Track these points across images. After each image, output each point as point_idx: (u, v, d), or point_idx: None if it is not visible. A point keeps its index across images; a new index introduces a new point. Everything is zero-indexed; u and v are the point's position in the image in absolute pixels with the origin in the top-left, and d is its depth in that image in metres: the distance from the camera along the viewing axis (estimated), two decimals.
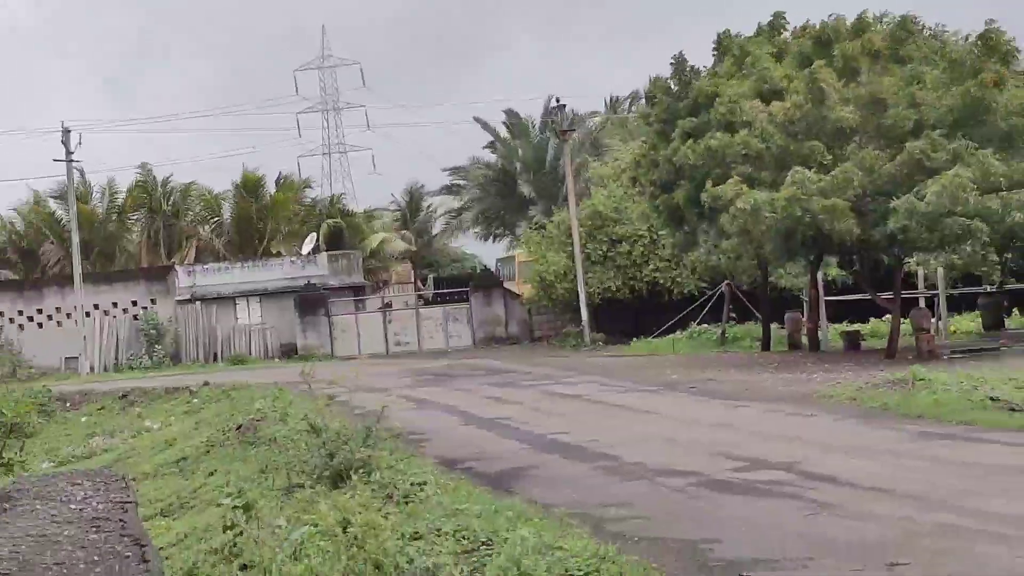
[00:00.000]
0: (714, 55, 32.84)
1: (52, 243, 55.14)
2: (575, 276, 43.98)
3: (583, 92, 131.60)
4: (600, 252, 44.39)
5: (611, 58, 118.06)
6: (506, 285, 51.52)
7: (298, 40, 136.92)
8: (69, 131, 49.73)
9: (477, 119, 65.07)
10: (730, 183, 26.63)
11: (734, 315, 40.36)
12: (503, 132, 62.78)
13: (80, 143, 51.36)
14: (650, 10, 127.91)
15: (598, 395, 25.93)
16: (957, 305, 37.27)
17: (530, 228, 52.87)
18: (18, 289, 51.39)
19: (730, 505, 13.32)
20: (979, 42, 27.76)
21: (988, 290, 35.86)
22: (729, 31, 33.50)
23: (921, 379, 21.20)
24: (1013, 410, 17.37)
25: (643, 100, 39.04)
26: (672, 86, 33.50)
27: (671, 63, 33.46)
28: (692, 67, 33.16)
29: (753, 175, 27.16)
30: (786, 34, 32.32)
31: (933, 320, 29.87)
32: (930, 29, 28.74)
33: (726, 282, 37.48)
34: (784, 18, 31.78)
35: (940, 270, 30.68)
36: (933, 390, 20.35)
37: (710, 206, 28.12)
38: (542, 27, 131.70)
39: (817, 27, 30.77)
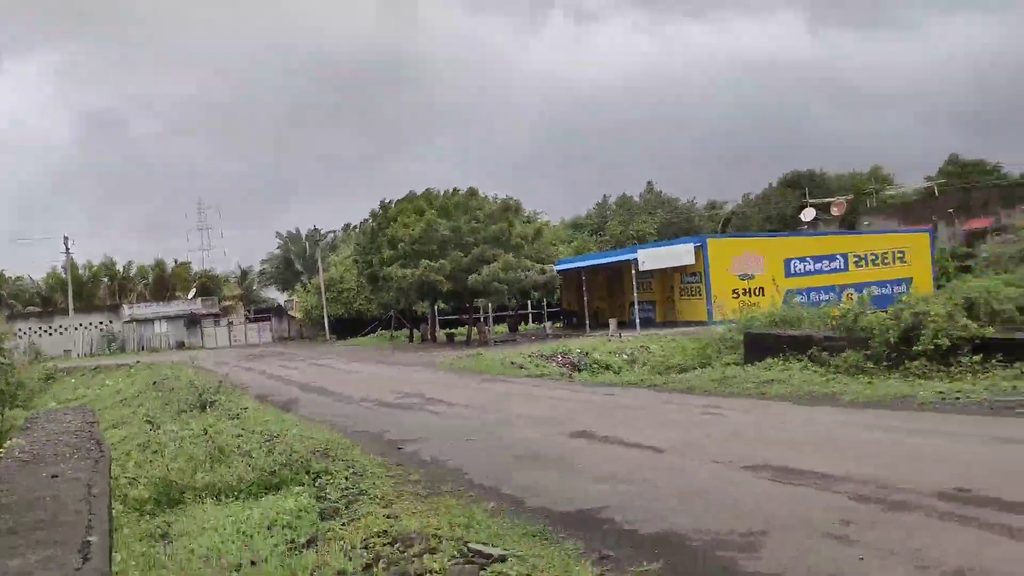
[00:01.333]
0: (380, 212, 35.92)
1: (59, 292, 58.54)
2: (322, 307, 49.94)
3: (337, 216, 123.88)
4: (333, 296, 50.63)
5: (346, 196, 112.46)
6: (290, 312, 58.62)
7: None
8: (67, 238, 54.13)
9: (278, 233, 64.00)
10: (394, 269, 31.35)
11: (396, 326, 41.51)
12: (287, 242, 62.61)
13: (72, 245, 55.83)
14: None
15: (335, 364, 27.89)
16: (497, 320, 38.99)
17: (300, 285, 51.87)
18: (39, 315, 55.70)
19: (392, 414, 13.83)
20: (500, 205, 28.68)
21: (511, 313, 38.17)
22: (385, 200, 37.32)
23: (480, 354, 23.50)
24: (520, 367, 18.12)
25: (358, 226, 38.24)
26: (372, 222, 36.72)
27: (380, 206, 36.79)
28: (385, 210, 35.84)
29: (405, 263, 31.37)
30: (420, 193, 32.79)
31: (486, 327, 31.22)
32: (485, 194, 30.04)
33: (392, 310, 37.58)
34: (429, 191, 35.69)
35: (490, 304, 32.24)
36: (486, 359, 22.56)
37: (385, 277, 28.06)
38: (319, 181, 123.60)
39: (433, 192, 31.17)
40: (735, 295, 30.51)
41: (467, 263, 30.05)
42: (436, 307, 39.11)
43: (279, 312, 57.17)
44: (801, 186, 63.87)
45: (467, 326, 34.88)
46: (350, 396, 16.75)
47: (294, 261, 68.37)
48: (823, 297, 29.25)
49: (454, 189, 34.46)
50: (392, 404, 14.96)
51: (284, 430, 10.77)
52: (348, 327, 49.17)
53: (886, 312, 14.35)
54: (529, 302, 43.65)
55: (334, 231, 72.25)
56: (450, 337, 37.07)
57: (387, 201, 36.43)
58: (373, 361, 27.96)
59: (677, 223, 61.38)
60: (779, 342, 15.49)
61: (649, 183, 67.70)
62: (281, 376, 23.39)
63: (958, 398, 10.61)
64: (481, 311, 42.40)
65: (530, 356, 22.69)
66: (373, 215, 36.50)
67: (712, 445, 9.06)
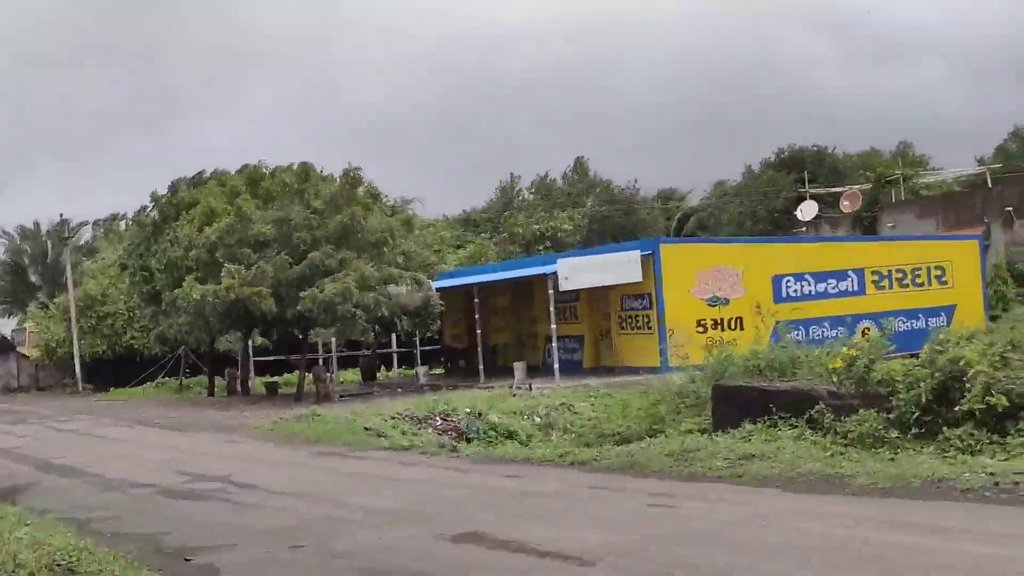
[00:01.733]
0: (168, 195, 36.38)
1: None
2: (72, 341, 48.56)
3: (99, 203, 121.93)
4: (90, 324, 49.12)
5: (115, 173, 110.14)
6: (20, 349, 57.12)
7: None
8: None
9: (2, 231, 70.04)
10: (187, 283, 30.83)
11: (189, 370, 42.52)
12: (16, 238, 61.09)
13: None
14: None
15: (87, 429, 27.47)
16: (345, 363, 38.68)
17: (38, 307, 50.70)
18: None
19: (179, 506, 13.84)
20: (346, 180, 31.99)
21: (366, 353, 38.19)
22: (184, 177, 36.82)
23: (318, 415, 22.39)
24: (379, 435, 18.17)
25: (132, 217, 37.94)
26: (154, 211, 37.17)
27: (169, 186, 36.93)
28: (175, 193, 36.47)
29: (204, 275, 31.33)
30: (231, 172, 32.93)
31: (328, 373, 31.08)
32: (328, 173, 30.42)
33: (183, 347, 37.53)
34: (226, 171, 36.24)
35: (333, 339, 32.04)
36: (326, 422, 22.59)
37: (172, 303, 32.01)
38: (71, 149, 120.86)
39: (251, 168, 31.20)
40: (701, 328, 31.05)
41: (299, 273, 29.72)
42: (251, 342, 38.49)
43: (2, 348, 55.06)
44: (798, 169, 66.17)
45: (298, 371, 34.40)
46: (114, 479, 16.50)
47: (28, 270, 65.95)
48: (828, 332, 30.19)
49: (275, 166, 34.25)
50: (179, 491, 14.84)
51: (3, 533, 10.64)
52: (114, 372, 47.93)
53: (916, 357, 14.85)
54: (394, 335, 43.57)
55: (93, 223, 70.33)
56: (272, 388, 36.54)
57: (180, 181, 35.70)
58: (152, 424, 27.30)
59: (616, 220, 62.57)
60: (764, 399, 15.76)
61: (578, 159, 68.89)
62: (5, 448, 22.88)
63: (1018, 483, 11.01)
64: (320, 349, 41.93)
65: (394, 418, 22.62)
66: (156, 201, 35.83)
67: (665, 555, 9.15)
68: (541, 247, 53.88)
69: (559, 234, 55.46)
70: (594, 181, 66.06)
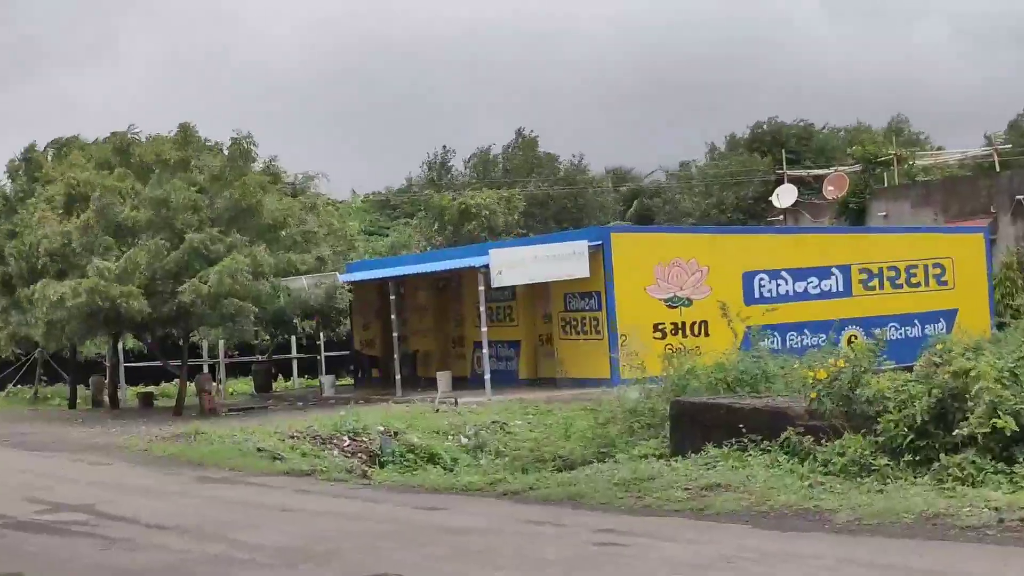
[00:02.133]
0: (20, 162, 36.35)
1: None
2: None
3: None
4: None
5: None
6: None
7: None
8: None
9: None
10: (40, 284, 30.10)
11: (45, 378, 45.68)
12: None
13: None
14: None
15: None
16: (235, 370, 38.43)
17: None
18: None
19: (33, 542, 13.55)
20: (236, 150, 32.85)
21: (259, 359, 37.99)
22: (35, 144, 36.51)
23: (202, 432, 24.31)
24: (275, 457, 17.97)
25: None
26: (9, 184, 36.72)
27: (22, 154, 36.77)
28: (29, 163, 36.25)
29: (64, 269, 30.90)
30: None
31: (214, 383, 30.90)
32: (214, 142, 29.99)
33: (39, 349, 41.43)
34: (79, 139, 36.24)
35: (221, 341, 31.88)
36: (211, 441, 23.19)
37: (27, 298, 31.50)
38: None
39: (120, 135, 34.66)
40: (659, 334, 31.36)
41: (177, 261, 29.52)
42: (122, 346, 37.98)
43: None
44: (774, 147, 66.79)
45: (178, 381, 34.13)
46: None
47: None
48: (809, 340, 30.52)
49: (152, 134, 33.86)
50: (33, 524, 14.60)
51: None
52: None
53: (910, 371, 14.96)
54: (294, 338, 43.27)
55: None
56: (147, 400, 36.18)
57: (34, 149, 35.14)
58: (14, 445, 26.60)
59: (562, 204, 62.67)
60: (732, 419, 15.85)
61: (519, 131, 68.88)
62: None
63: None
64: (206, 354, 41.51)
65: (293, 437, 22.47)
66: (10, 171, 35.38)
67: None
68: (471, 228, 53.67)
69: (484, 213, 55.13)
70: (538, 157, 66.02)
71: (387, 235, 60.73)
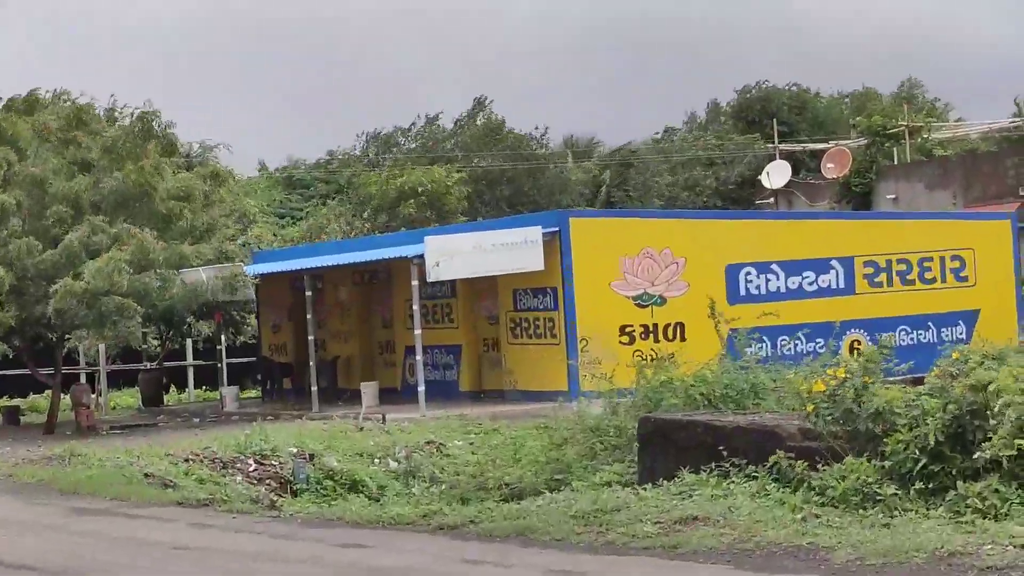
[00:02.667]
0: None
1: None
2: None
3: None
4: None
5: None
6: None
7: None
8: None
9: None
10: None
11: None
12: None
13: None
14: None
15: None
16: (119, 380, 38.07)
17: None
18: None
19: None
20: (138, 125, 32.35)
21: (148, 366, 37.73)
22: None
23: (79, 454, 24.03)
24: (166, 484, 17.91)
25: None
26: None
27: None
28: None
29: None
30: None
31: (94, 396, 30.80)
32: (105, 109, 29.72)
33: None
34: None
35: (102, 346, 31.85)
36: (89, 465, 22.72)
37: None
38: None
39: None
40: (626, 338, 31.48)
41: (53, 261, 29.42)
42: None
43: None
44: (763, 117, 66.98)
45: (51, 392, 33.84)
46: None
47: None
48: (804, 346, 30.69)
49: (31, 97, 33.40)
50: None
51: None
52: None
53: (922, 382, 15.11)
54: (190, 342, 42.93)
55: None
56: (12, 415, 35.81)
57: None
58: None
59: (517, 184, 62.65)
60: (713, 440, 15.93)
61: (479, 100, 68.66)
62: None
63: None
64: (83, 360, 41.10)
65: (188, 460, 22.42)
66: None
67: None
68: (409, 210, 53.45)
69: (445, 193, 54.89)
70: (490, 125, 65.86)
71: (302, 220, 60.36)
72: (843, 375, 15.63)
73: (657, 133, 74.67)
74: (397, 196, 55.24)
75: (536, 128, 68.05)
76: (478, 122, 66.69)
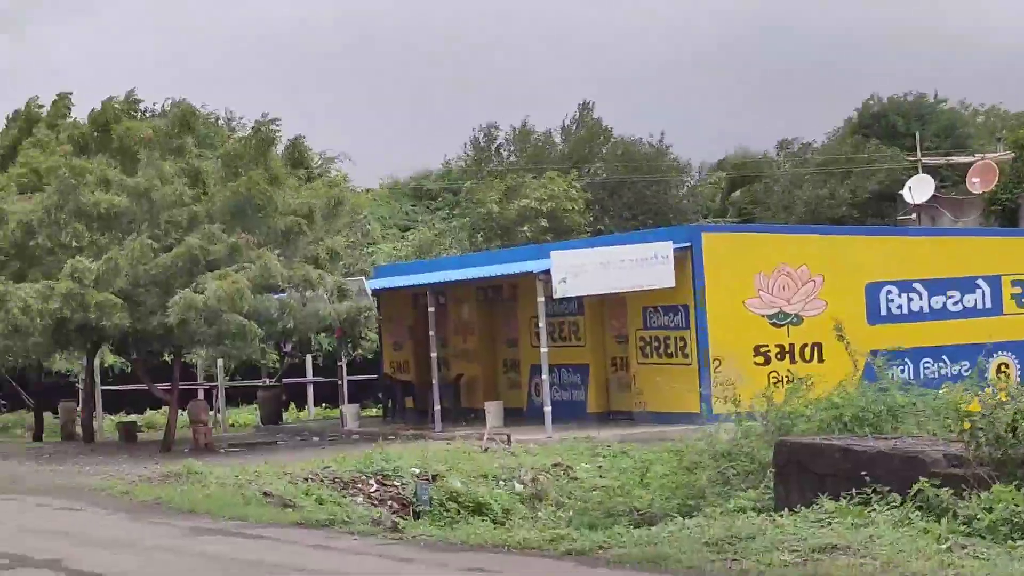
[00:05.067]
0: None
1: None
2: None
3: None
4: None
5: None
6: None
7: None
8: None
9: None
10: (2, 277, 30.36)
11: (4, 402, 41.31)
12: None
13: None
14: None
15: None
16: (237, 398, 38.59)
17: None
18: None
19: None
20: (256, 135, 32.68)
21: (267, 383, 38.15)
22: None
23: (196, 473, 24.12)
24: (287, 505, 18.08)
25: None
26: None
27: None
28: None
29: (19, 270, 31.11)
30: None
31: (211, 412, 30.94)
32: (219, 117, 30.10)
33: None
34: (70, 100, 35.85)
35: (220, 362, 32.03)
36: (207, 484, 22.96)
37: None
38: None
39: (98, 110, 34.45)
40: (760, 358, 31.43)
41: (166, 266, 29.75)
42: (99, 364, 38.24)
43: None
44: (899, 131, 66.14)
45: (168, 409, 34.29)
46: None
47: None
48: (947, 369, 30.23)
49: (139, 103, 34.04)
50: None
51: None
52: None
53: None
54: (310, 358, 43.22)
55: None
56: (129, 432, 36.41)
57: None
58: None
59: (639, 195, 62.51)
60: (852, 466, 15.78)
61: (584, 103, 68.85)
62: None
63: None
64: (201, 375, 41.61)
65: (307, 480, 22.64)
66: None
67: None
68: (527, 230, 53.46)
69: (563, 211, 54.76)
70: (601, 130, 65.66)
71: (414, 231, 60.24)
72: (1004, 397, 15.42)
73: (790, 146, 74.18)
74: (517, 217, 55.32)
75: (651, 135, 67.95)
76: (583, 126, 66.69)
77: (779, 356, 31.50)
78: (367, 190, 62.73)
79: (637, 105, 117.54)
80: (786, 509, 15.90)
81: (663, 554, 14.52)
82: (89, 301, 28.80)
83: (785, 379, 24.99)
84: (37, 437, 38.25)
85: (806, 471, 16.43)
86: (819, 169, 64.60)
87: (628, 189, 62.10)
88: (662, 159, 65.87)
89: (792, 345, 31.78)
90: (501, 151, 67.33)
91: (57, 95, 35.45)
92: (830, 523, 14.74)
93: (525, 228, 53.75)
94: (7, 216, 30.75)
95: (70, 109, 35.62)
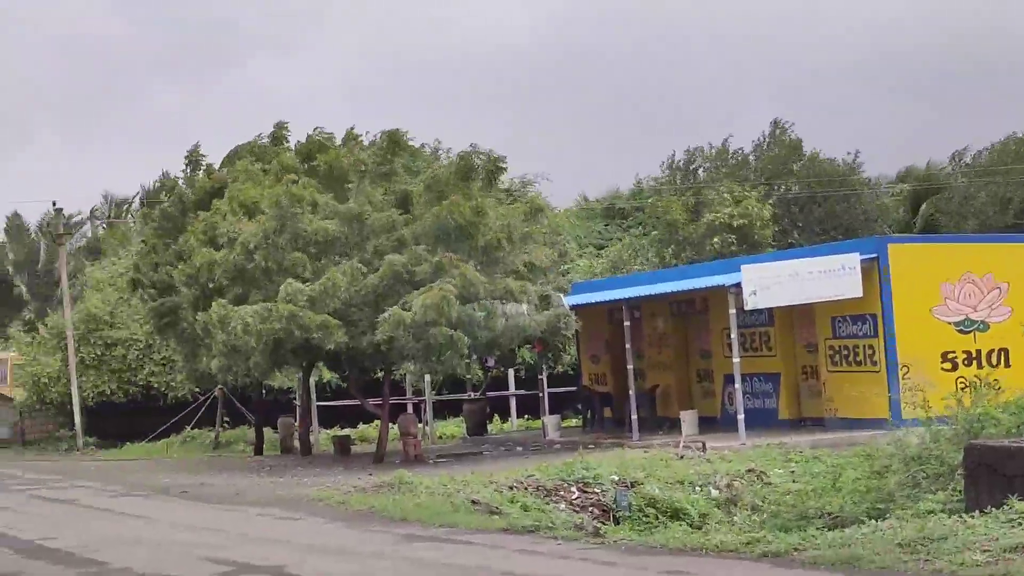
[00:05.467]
0: (185, 171, 37.73)
1: None
2: (70, 378, 48.91)
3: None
4: (95, 355, 49.82)
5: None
6: None
7: None
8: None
9: None
10: (215, 306, 30.67)
11: (227, 419, 46.52)
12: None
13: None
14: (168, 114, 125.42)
15: (89, 500, 27.50)
16: (444, 411, 39.09)
17: (23, 328, 51.74)
18: None
19: None
20: (459, 161, 32.85)
21: (472, 396, 38.62)
22: (199, 145, 37.82)
23: (407, 482, 24.36)
24: (493, 512, 18.33)
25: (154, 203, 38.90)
26: (182, 184, 37.52)
27: (185, 158, 37.64)
28: (209, 164, 37.13)
29: (241, 292, 31.48)
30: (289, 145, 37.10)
31: (420, 425, 31.54)
32: (426, 145, 30.55)
33: (219, 387, 43.16)
34: (287, 128, 36.68)
35: (427, 376, 32.56)
36: (417, 493, 23.28)
37: (203, 328, 32.00)
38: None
39: (306, 140, 35.57)
40: (948, 364, 30.90)
41: (375, 286, 30.20)
42: (313, 380, 39.56)
43: None
44: None
45: (379, 422, 34.84)
46: (123, 569, 16.78)
47: (13, 276, 67.92)
48: None
49: (352, 132, 34.74)
50: None
51: None
52: (126, 420, 48.96)
53: None
54: (512, 371, 43.66)
55: (91, 213, 71.93)
56: (343, 445, 37.08)
57: (199, 154, 36.75)
58: (176, 493, 27.92)
59: (828, 208, 61.91)
60: None
61: (775, 123, 68.26)
62: None
63: None
64: (409, 390, 42.23)
65: (512, 488, 22.84)
66: (165, 187, 36.32)
67: None
68: (715, 244, 53.29)
69: (755, 226, 54.47)
70: (793, 144, 65.03)
71: (607, 248, 60.34)
72: None
73: (979, 154, 72.66)
74: (706, 231, 55.15)
75: (848, 153, 67.15)
76: (775, 144, 66.02)
77: (966, 362, 30.91)
78: (564, 210, 63.09)
79: (820, 114, 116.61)
80: (976, 511, 15.68)
81: (856, 555, 14.44)
82: (308, 322, 29.39)
83: (972, 384, 24.61)
84: (258, 451, 39.14)
85: (996, 473, 16.17)
86: (984, 179, 63.36)
87: (819, 205, 61.55)
88: (855, 176, 65.06)
89: (979, 351, 31.21)
90: (699, 171, 67.11)
91: (276, 125, 36.17)
92: (1021, 523, 14.49)
93: (715, 240, 53.59)
94: (232, 239, 31.52)
95: (287, 138, 36.41)
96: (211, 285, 32.19)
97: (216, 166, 36.93)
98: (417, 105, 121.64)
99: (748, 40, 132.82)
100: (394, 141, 33.33)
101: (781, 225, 58.24)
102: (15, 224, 71.46)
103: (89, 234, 70.63)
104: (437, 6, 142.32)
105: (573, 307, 33.45)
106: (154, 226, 36.84)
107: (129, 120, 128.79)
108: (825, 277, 31.13)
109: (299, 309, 29.49)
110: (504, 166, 34.08)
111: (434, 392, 42.72)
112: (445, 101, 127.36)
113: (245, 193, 32.68)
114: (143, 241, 39.73)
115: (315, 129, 35.29)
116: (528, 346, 38.52)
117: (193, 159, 37.06)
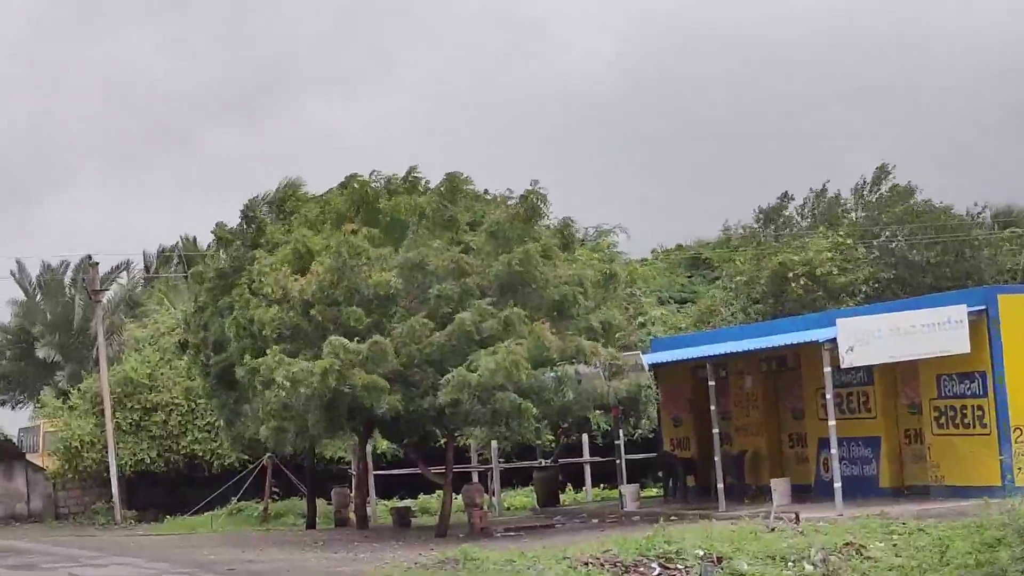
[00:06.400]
0: (241, 224, 38.17)
1: None
2: (105, 445, 48.93)
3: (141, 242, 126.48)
4: (132, 420, 49.90)
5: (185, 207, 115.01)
6: (29, 457, 57.85)
7: None
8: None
9: (13, 273, 72.17)
10: (270, 354, 30.88)
11: (277, 490, 46.90)
12: (31, 289, 72.60)
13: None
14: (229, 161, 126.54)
15: None
16: (512, 479, 39.19)
17: (55, 393, 52.23)
18: None
19: None
20: (522, 207, 33.06)
21: (543, 464, 38.61)
22: (257, 198, 38.39)
23: (473, 558, 24.24)
24: None
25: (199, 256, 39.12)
26: (222, 251, 38.30)
27: (241, 212, 38.04)
28: (249, 221, 38.01)
29: (293, 349, 31.53)
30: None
31: (486, 495, 31.58)
32: (487, 193, 30.61)
33: (268, 455, 43.29)
34: (356, 178, 36.63)
35: (494, 443, 32.67)
36: (484, 570, 23.19)
37: (250, 381, 32.24)
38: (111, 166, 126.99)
39: (358, 185, 35.73)
40: None
41: (440, 345, 30.34)
42: (371, 449, 39.11)
43: (6, 455, 56.75)
44: None
45: (442, 492, 34.87)
46: None
47: (43, 335, 68.48)
48: None
49: (410, 176, 34.93)
50: None
51: None
52: (168, 491, 49.58)
53: None
54: (586, 437, 43.58)
55: (139, 265, 72.56)
56: (403, 517, 37.20)
57: (256, 204, 37.13)
58: (223, 572, 27.88)
59: (938, 259, 61.65)
60: None
61: (882, 167, 67.91)
62: None
63: None
64: (474, 458, 42.24)
65: (587, 564, 22.78)
66: (222, 237, 37.29)
67: None
68: (793, 289, 53.20)
69: (818, 270, 54.42)
70: (902, 191, 64.63)
71: (691, 303, 60.16)
72: None
73: None
74: (783, 276, 55.13)
75: (975, 204, 66.69)
76: (883, 191, 65.67)
77: None
78: (643, 260, 63.05)
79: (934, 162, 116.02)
80: None
81: None
82: (356, 382, 29.64)
83: None
84: (310, 524, 39.35)
85: None
86: None
87: (929, 263, 61.11)
88: (975, 227, 64.48)
89: None
90: (792, 219, 66.90)
91: (347, 177, 36.32)
92: None
93: (800, 282, 53.64)
94: (288, 294, 31.80)
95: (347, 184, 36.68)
96: (262, 339, 32.25)
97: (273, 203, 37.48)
98: (480, 149, 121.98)
99: (838, 80, 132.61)
100: (454, 182, 33.64)
101: (884, 273, 58.17)
102: (47, 278, 71.14)
103: (128, 287, 70.97)
104: (513, 45, 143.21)
105: (653, 365, 33.43)
106: (208, 287, 36.99)
107: (175, 165, 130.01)
108: (929, 331, 30.95)
109: (346, 366, 29.68)
110: (574, 225, 34.66)
111: (501, 459, 42.81)
112: (513, 145, 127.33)
113: (311, 241, 32.95)
114: (195, 297, 39.70)
115: (372, 173, 35.49)
116: (602, 412, 38.54)
117: (249, 213, 37.32)
